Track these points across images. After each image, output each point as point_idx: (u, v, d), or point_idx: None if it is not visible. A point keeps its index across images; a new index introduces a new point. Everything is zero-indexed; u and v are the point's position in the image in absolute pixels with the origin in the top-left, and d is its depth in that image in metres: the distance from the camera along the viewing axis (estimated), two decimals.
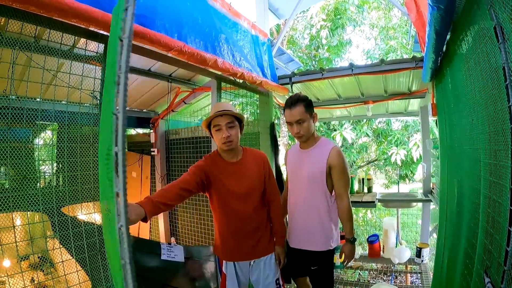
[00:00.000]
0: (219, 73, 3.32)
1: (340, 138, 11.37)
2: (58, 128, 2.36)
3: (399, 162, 12.08)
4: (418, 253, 4.64)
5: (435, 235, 5.22)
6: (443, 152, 3.00)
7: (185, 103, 4.88)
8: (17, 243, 2.41)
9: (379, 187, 13.51)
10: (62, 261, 2.25)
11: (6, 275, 2.53)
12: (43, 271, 2.68)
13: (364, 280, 6.77)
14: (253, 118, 4.29)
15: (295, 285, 2.99)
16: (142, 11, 2.32)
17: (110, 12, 1.91)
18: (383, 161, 13.02)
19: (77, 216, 2.31)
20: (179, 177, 2.35)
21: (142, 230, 5.56)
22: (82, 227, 2.25)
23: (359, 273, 7.57)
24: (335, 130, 11.66)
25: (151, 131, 5.18)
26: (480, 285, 1.50)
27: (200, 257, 3.69)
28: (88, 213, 2.34)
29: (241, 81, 3.69)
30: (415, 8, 2.77)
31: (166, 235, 5.16)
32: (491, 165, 1.46)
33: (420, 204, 5.46)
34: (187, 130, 4.91)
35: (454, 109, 2.31)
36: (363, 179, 5.51)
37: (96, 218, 2.37)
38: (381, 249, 4.94)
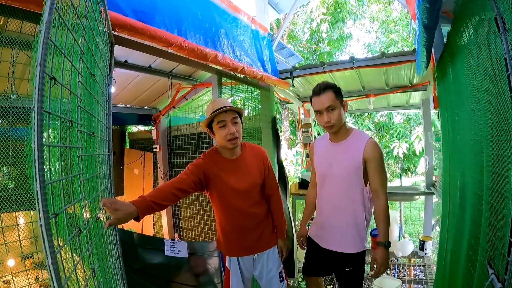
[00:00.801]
0: (220, 68, 3.32)
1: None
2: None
3: (401, 156, 12.09)
4: (421, 246, 4.65)
5: (438, 228, 5.22)
6: (445, 145, 2.99)
7: (186, 99, 4.88)
8: (21, 242, 2.43)
9: None
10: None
11: (10, 273, 2.54)
12: (44, 268, 2.68)
13: (367, 274, 6.78)
14: (254, 113, 4.29)
15: (299, 280, 2.96)
16: (142, 7, 2.32)
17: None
18: (385, 154, 13.01)
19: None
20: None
21: (145, 226, 5.58)
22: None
23: None
24: None
25: (153, 128, 5.18)
26: (484, 277, 1.50)
27: (203, 252, 3.70)
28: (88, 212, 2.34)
29: (242, 76, 3.68)
30: (413, 1, 2.76)
31: (170, 231, 5.18)
32: (494, 156, 1.46)
33: (422, 197, 5.45)
34: (188, 126, 4.91)
35: (456, 101, 2.30)
36: None
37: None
38: None
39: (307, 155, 6.25)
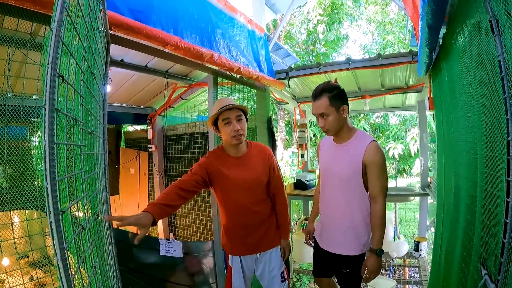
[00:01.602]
0: (216, 68, 3.32)
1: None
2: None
3: (396, 157, 12.14)
4: (416, 247, 4.67)
5: (432, 229, 5.24)
6: (440, 146, 3.01)
7: (182, 99, 4.87)
8: (15, 241, 2.42)
9: None
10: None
11: (5, 272, 2.53)
12: (41, 268, 2.68)
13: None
14: (250, 113, 4.29)
15: (293, 280, 2.97)
16: (138, 7, 2.31)
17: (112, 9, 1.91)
18: None
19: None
20: (177, 173, 2.37)
21: None
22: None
23: None
24: None
25: (149, 127, 5.17)
26: (477, 277, 1.51)
27: (198, 252, 3.70)
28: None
29: (237, 76, 3.68)
30: (411, 2, 2.77)
31: (165, 230, 5.17)
32: (488, 157, 1.47)
33: (417, 198, 5.48)
34: (184, 126, 4.90)
35: (451, 102, 2.32)
36: None
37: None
38: None
39: (302, 156, 6.26)
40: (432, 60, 2.72)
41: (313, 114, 2.44)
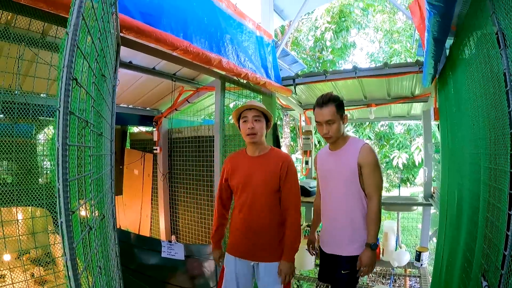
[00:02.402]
0: (223, 73, 3.34)
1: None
2: None
3: (400, 166, 12.09)
4: (418, 257, 4.64)
5: (435, 240, 5.22)
6: (444, 156, 3.01)
7: (189, 102, 4.90)
8: (18, 238, 2.43)
9: None
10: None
11: (8, 267, 2.55)
12: (42, 265, 2.69)
13: (363, 283, 6.78)
14: None
15: (293, 286, 2.94)
16: (149, 10, 2.34)
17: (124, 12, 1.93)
18: (384, 164, 13.02)
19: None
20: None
21: (142, 227, 5.58)
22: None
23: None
24: None
25: (154, 129, 5.20)
26: None
27: (200, 255, 3.70)
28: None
29: (245, 81, 3.70)
30: (419, 13, 2.79)
31: (167, 232, 5.18)
32: (491, 170, 1.47)
33: (420, 208, 5.45)
34: (190, 129, 4.92)
35: (456, 113, 2.32)
36: None
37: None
38: (381, 252, 4.94)
39: (306, 162, 6.25)
40: (437, 71, 2.73)
41: (316, 121, 2.53)
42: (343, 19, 12.24)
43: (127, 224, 5.75)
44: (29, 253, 2.70)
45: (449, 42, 2.42)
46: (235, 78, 3.52)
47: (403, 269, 5.16)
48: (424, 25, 2.68)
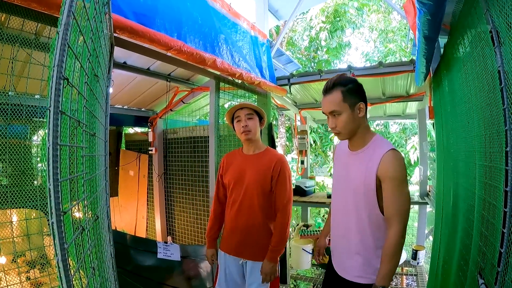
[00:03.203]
0: (218, 73, 3.34)
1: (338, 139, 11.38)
2: None
3: None
4: (414, 255, 4.66)
5: (431, 238, 5.24)
6: (440, 155, 3.02)
7: (184, 103, 4.90)
8: (13, 240, 2.41)
9: None
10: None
11: (3, 270, 2.53)
12: (37, 268, 2.67)
13: None
14: None
15: (291, 286, 2.87)
16: (143, 10, 2.33)
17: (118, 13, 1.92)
18: None
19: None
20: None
21: (138, 228, 5.57)
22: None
23: None
24: None
25: (149, 130, 5.19)
26: (474, 287, 1.51)
27: (196, 256, 3.70)
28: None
29: (239, 81, 3.70)
30: (413, 12, 2.79)
31: (163, 233, 5.17)
32: (486, 167, 1.48)
33: (416, 207, 5.48)
34: (185, 130, 4.92)
35: (451, 112, 2.33)
36: None
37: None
38: None
39: (302, 162, 6.26)
40: (429, 70, 2.73)
41: (323, 113, 2.02)
42: (338, 18, 12.24)
43: (122, 225, 5.74)
44: (24, 255, 2.68)
45: (443, 40, 2.43)
46: (229, 78, 3.51)
47: (399, 267, 5.17)
48: None
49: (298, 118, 6.19)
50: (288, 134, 12.80)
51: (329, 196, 5.31)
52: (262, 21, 5.39)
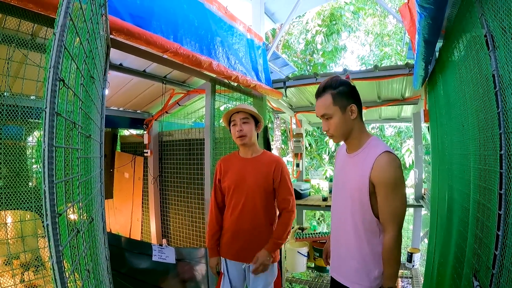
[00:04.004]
0: (214, 75, 3.34)
1: (333, 143, 11.43)
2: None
3: None
4: (409, 258, 4.67)
5: (426, 240, 5.25)
6: (435, 158, 3.03)
7: (179, 105, 4.89)
8: (7, 242, 2.40)
9: None
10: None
11: None
12: (32, 270, 2.66)
13: None
14: None
15: None
16: (139, 12, 2.33)
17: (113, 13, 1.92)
18: None
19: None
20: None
21: (133, 231, 5.54)
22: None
23: None
24: None
25: (145, 132, 5.17)
26: None
27: (191, 259, 3.68)
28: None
29: (235, 84, 3.70)
30: (409, 16, 2.81)
31: (158, 236, 5.15)
32: (481, 170, 1.49)
33: (411, 210, 5.50)
34: (180, 132, 4.91)
35: (446, 115, 2.34)
36: None
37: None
38: None
39: (297, 165, 6.27)
40: (427, 74, 2.75)
41: (317, 116, 2.02)
42: (334, 22, 12.29)
43: (117, 228, 5.71)
44: (19, 258, 2.66)
45: (438, 44, 2.44)
46: (225, 80, 3.51)
47: None
48: (415, 28, 2.70)
49: (294, 121, 6.21)
50: (283, 137, 12.82)
51: (324, 199, 5.32)
52: (258, 24, 5.40)
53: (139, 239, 5.38)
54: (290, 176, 2.70)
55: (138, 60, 3.31)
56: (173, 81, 4.27)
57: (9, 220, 2.44)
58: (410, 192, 11.54)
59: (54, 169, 0.80)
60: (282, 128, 12.62)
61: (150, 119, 5.18)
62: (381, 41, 14.59)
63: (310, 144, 12.44)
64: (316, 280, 4.96)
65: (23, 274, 2.64)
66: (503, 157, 1.20)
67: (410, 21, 2.80)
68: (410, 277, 4.77)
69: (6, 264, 2.55)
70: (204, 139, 4.00)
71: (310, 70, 13.44)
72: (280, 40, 12.79)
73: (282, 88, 4.41)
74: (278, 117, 11.43)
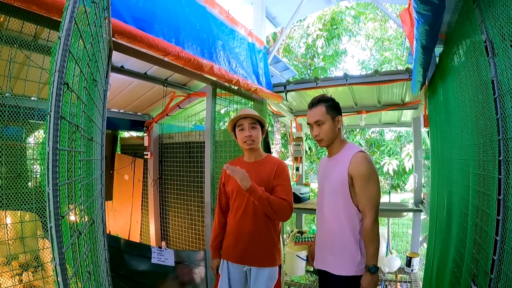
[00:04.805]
0: (215, 79, 3.35)
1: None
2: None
3: (391, 172, 12.16)
4: (408, 263, 4.67)
5: (425, 245, 5.26)
6: (434, 163, 3.04)
7: (180, 108, 4.90)
8: (7, 243, 2.40)
9: None
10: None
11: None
12: (31, 271, 2.66)
13: None
14: None
15: None
16: (141, 15, 2.34)
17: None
18: None
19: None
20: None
21: (132, 233, 5.54)
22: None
23: None
24: None
25: (145, 134, 5.18)
26: None
27: (190, 261, 3.69)
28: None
29: (236, 87, 3.71)
30: (409, 21, 2.82)
31: (157, 238, 5.15)
32: (480, 176, 1.50)
33: (411, 214, 5.49)
34: (181, 135, 4.91)
35: (445, 120, 2.35)
36: None
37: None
38: None
39: (297, 169, 6.27)
40: (425, 79, 2.76)
41: (308, 124, 2.41)
42: (334, 26, 12.33)
43: (117, 230, 5.71)
44: (18, 258, 2.66)
45: (438, 50, 2.45)
46: (226, 84, 3.52)
47: (394, 274, 5.18)
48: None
49: (294, 125, 6.21)
50: (283, 141, 12.83)
51: None
52: (260, 28, 5.42)
53: (138, 241, 5.38)
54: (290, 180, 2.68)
55: (139, 62, 3.32)
56: (174, 83, 4.28)
57: (8, 220, 2.45)
58: (409, 197, 11.56)
59: (58, 171, 0.81)
60: (282, 131, 12.64)
61: (151, 122, 5.18)
62: (381, 45, 14.64)
63: (310, 148, 12.44)
64: (315, 284, 4.96)
65: (22, 275, 2.65)
66: (501, 163, 1.20)
67: (410, 26, 2.81)
68: (409, 282, 4.77)
69: (6, 264, 2.56)
70: (204, 142, 4.00)
71: (310, 74, 13.47)
72: (281, 44, 12.82)
73: (282, 92, 4.42)
74: (278, 121, 11.45)
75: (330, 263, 2.29)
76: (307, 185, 6.28)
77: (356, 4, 12.94)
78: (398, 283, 5.70)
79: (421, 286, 3.66)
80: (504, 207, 1.21)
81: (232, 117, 2.75)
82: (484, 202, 1.41)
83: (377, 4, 6.78)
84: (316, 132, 2.32)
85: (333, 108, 2.32)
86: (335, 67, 13.66)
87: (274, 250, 2.57)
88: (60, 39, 0.84)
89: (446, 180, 2.40)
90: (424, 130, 5.21)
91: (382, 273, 4.94)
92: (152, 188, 5.10)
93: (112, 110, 4.92)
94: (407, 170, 11.68)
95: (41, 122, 2.41)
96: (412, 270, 4.64)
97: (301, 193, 5.50)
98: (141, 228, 5.48)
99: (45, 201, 0.81)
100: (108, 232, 5.22)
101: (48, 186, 0.79)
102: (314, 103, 2.34)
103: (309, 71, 13.75)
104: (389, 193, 7.78)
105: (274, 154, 11.48)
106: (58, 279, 0.80)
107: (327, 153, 2.47)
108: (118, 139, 5.90)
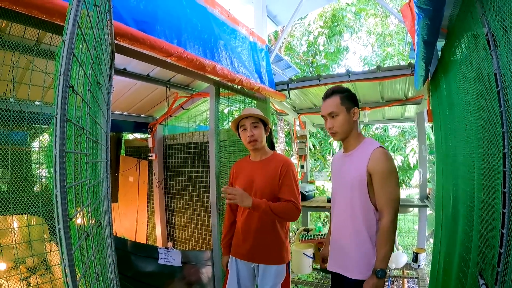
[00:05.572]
0: (218, 79, 3.35)
1: (337, 144, 11.42)
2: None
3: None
4: (415, 258, 4.66)
5: (431, 240, 5.24)
6: (439, 158, 3.03)
7: (183, 109, 4.91)
8: (15, 246, 2.42)
9: None
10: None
11: (5, 276, 2.53)
12: (39, 274, 2.67)
13: None
14: None
15: None
16: (143, 17, 2.35)
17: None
18: None
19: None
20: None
21: (139, 234, 5.56)
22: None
23: None
24: None
25: (149, 136, 5.19)
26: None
27: (197, 262, 3.70)
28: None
29: (239, 87, 3.72)
30: (411, 16, 2.81)
31: (163, 239, 5.16)
32: (485, 169, 1.49)
33: (416, 210, 5.48)
34: (185, 135, 4.92)
35: (449, 115, 2.34)
36: None
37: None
38: None
39: (301, 167, 6.27)
40: (428, 74, 2.75)
41: (321, 116, 2.28)
42: (335, 23, 12.30)
43: (123, 232, 5.74)
44: (25, 262, 2.68)
45: (440, 44, 2.45)
46: (229, 84, 3.53)
47: (400, 270, 5.17)
48: None
49: (297, 123, 6.21)
50: (287, 139, 12.82)
51: (329, 200, 5.31)
52: (261, 27, 5.42)
53: (145, 243, 5.40)
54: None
55: (142, 64, 3.34)
56: (176, 84, 4.29)
57: (15, 225, 2.46)
58: (415, 192, 11.52)
59: (65, 174, 0.82)
60: (286, 130, 12.62)
61: (154, 123, 5.20)
62: (383, 41, 14.59)
63: (314, 146, 12.44)
64: (322, 281, 4.96)
65: (29, 278, 2.67)
66: (506, 156, 1.20)
67: (411, 21, 2.80)
68: (416, 277, 4.76)
69: (13, 268, 2.57)
70: (208, 142, 4.01)
71: (312, 72, 13.45)
72: (282, 42, 12.81)
73: (285, 90, 4.42)
74: (281, 119, 11.43)
75: (345, 266, 2.14)
76: (312, 182, 6.29)
77: (356, 0, 12.92)
78: (405, 279, 5.69)
79: (428, 281, 3.66)
80: (509, 200, 1.20)
81: (235, 116, 2.75)
82: (489, 195, 1.41)
83: (377, 0, 6.75)
84: (330, 125, 2.19)
85: (349, 98, 2.17)
86: (337, 64, 13.65)
87: (281, 248, 2.56)
88: (64, 42, 0.85)
89: (451, 174, 2.39)
90: (428, 125, 5.18)
91: (389, 269, 4.93)
92: (158, 189, 5.12)
93: (115, 112, 4.94)
94: (412, 165, 11.65)
95: (46, 126, 2.42)
96: (418, 266, 4.63)
97: (306, 191, 5.50)
98: (147, 229, 5.50)
99: (52, 204, 0.82)
100: (114, 234, 5.24)
101: (56, 188, 0.80)
102: (328, 94, 2.20)
103: (311, 68, 13.73)
104: None
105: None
106: (67, 280, 0.81)
107: (342, 148, 2.34)
108: (123, 141, 5.93)
